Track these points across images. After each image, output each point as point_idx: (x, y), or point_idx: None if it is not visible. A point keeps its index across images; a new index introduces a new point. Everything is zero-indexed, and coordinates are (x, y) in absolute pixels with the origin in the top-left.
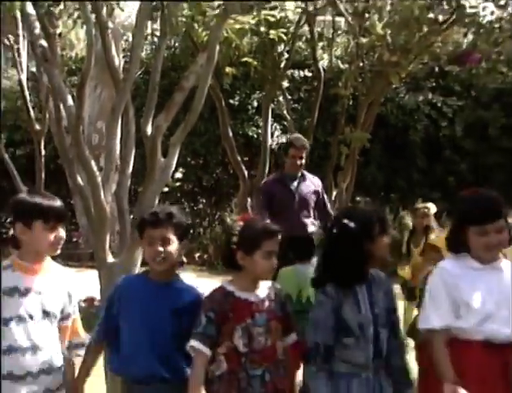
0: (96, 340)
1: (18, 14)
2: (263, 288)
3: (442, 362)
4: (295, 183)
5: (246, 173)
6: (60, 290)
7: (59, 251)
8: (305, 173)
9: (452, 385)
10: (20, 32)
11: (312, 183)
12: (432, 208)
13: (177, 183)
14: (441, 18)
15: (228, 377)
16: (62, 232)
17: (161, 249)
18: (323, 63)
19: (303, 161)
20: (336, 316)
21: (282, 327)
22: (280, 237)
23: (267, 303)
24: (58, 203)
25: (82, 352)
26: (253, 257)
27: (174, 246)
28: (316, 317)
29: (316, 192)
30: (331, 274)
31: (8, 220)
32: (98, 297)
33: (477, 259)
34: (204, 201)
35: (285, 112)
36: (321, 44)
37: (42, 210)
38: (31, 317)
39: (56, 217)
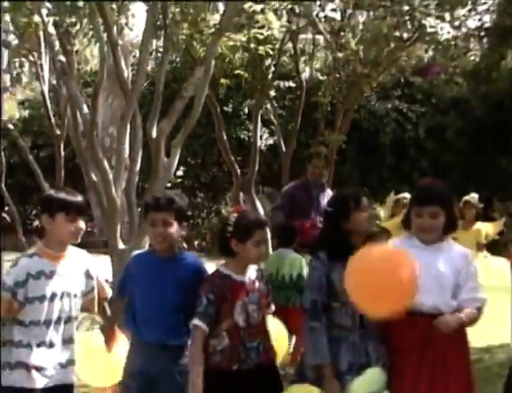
0: (115, 297)
1: (41, 34)
2: (252, 271)
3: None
4: (316, 191)
5: (239, 171)
6: (80, 271)
7: (79, 240)
8: (324, 182)
9: None
10: (43, 49)
11: (329, 195)
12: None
13: (179, 180)
14: (405, 36)
15: (229, 351)
16: (82, 224)
17: (162, 230)
18: (305, 75)
19: (321, 171)
20: (326, 279)
21: (266, 302)
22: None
23: (256, 283)
24: (79, 198)
25: None
26: (246, 245)
27: (174, 228)
28: (311, 279)
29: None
30: (323, 247)
31: (33, 213)
32: (111, 279)
33: (419, 239)
34: (202, 195)
35: (272, 118)
36: (302, 58)
37: (65, 203)
38: (55, 296)
39: (76, 210)
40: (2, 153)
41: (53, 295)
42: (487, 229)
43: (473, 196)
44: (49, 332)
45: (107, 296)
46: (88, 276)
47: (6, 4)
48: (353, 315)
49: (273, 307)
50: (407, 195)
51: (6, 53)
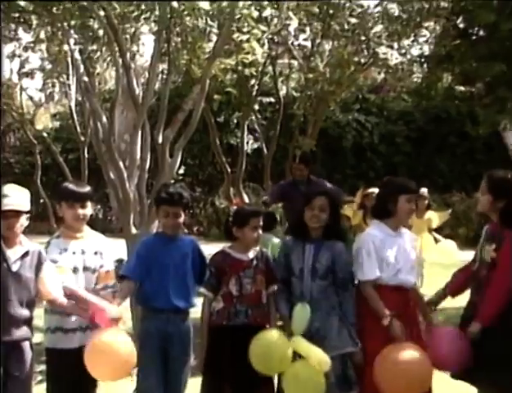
0: (127, 274)
1: (69, 59)
2: (253, 252)
3: (376, 303)
4: (303, 187)
5: (229, 170)
6: (96, 250)
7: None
8: (312, 178)
9: (388, 316)
10: (70, 72)
11: (316, 186)
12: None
13: (180, 177)
14: (363, 61)
15: (222, 310)
16: (81, 210)
17: (174, 221)
18: (282, 92)
19: (305, 173)
20: (287, 259)
21: (266, 279)
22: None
23: (254, 262)
24: (82, 189)
25: (109, 293)
26: (244, 230)
27: (182, 217)
28: (278, 259)
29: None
30: (290, 233)
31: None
32: (125, 258)
33: (391, 227)
34: (199, 190)
35: (256, 127)
36: (280, 79)
37: (65, 193)
38: (76, 269)
39: (73, 198)
40: (38, 156)
41: (75, 269)
42: (436, 217)
43: (424, 190)
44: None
45: (113, 285)
46: (100, 255)
47: (42, 36)
48: (303, 287)
49: (275, 287)
50: (375, 189)
51: (41, 75)
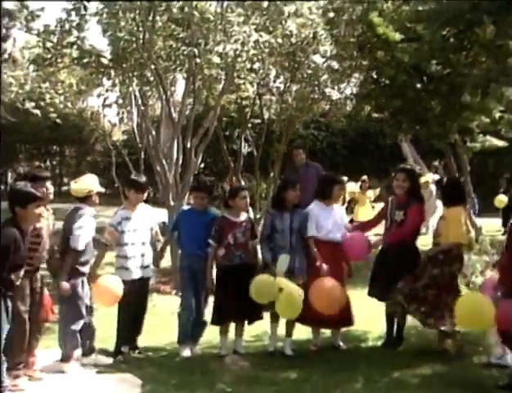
0: (170, 231)
1: (132, 96)
2: (243, 216)
3: (313, 251)
4: (302, 171)
5: (232, 165)
6: (148, 217)
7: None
8: (309, 162)
9: (319, 260)
10: (133, 104)
11: (313, 168)
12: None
13: (201, 170)
14: (316, 97)
15: (225, 255)
16: (141, 195)
17: (202, 202)
18: (266, 116)
19: (303, 156)
20: (272, 223)
21: (250, 235)
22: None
23: (244, 223)
24: (144, 183)
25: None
26: (235, 200)
27: (206, 200)
28: (264, 223)
29: (315, 173)
30: (273, 206)
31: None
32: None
33: (326, 204)
34: (213, 178)
35: (249, 138)
36: (264, 108)
37: (135, 183)
38: (135, 230)
39: (141, 189)
40: (113, 157)
41: (134, 230)
42: (372, 193)
43: (365, 177)
44: (134, 248)
45: (159, 239)
46: (151, 220)
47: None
48: (285, 239)
49: (257, 240)
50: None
51: (116, 106)
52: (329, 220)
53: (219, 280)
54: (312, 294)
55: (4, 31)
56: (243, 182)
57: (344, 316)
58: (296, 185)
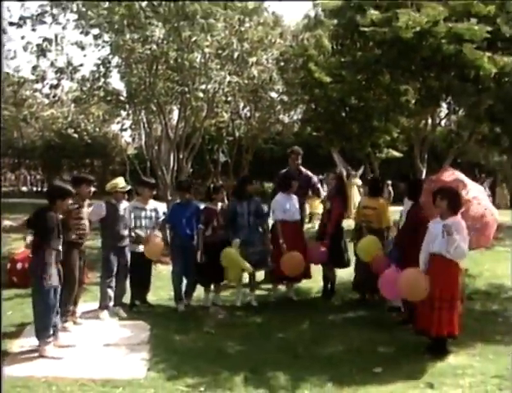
0: (164, 222)
1: (141, 124)
2: (220, 205)
3: (280, 232)
4: (296, 176)
5: (213, 170)
6: (154, 209)
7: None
8: (302, 170)
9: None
10: (142, 128)
11: (306, 175)
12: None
13: (190, 174)
14: (272, 120)
15: (211, 235)
16: (150, 193)
17: (182, 196)
18: (237, 135)
19: (299, 161)
20: (234, 209)
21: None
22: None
23: (220, 210)
24: (152, 184)
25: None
26: (217, 195)
27: (186, 195)
28: (229, 209)
29: (308, 180)
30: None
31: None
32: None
33: (288, 194)
34: (199, 180)
35: (225, 150)
36: (236, 129)
37: (147, 184)
38: (145, 217)
39: (150, 187)
40: (128, 165)
41: (145, 217)
42: None
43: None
44: (144, 229)
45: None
46: (156, 212)
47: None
48: (244, 222)
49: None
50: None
51: (130, 130)
52: (291, 206)
53: (206, 253)
54: (282, 262)
55: (56, 81)
56: (221, 182)
57: (305, 273)
58: (253, 181)
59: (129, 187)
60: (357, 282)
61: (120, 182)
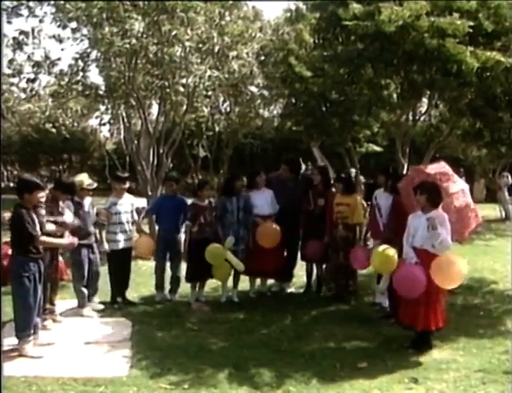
0: (148, 212)
1: (121, 119)
2: (207, 201)
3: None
4: (290, 183)
5: (193, 165)
6: (130, 203)
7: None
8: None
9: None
10: (121, 124)
11: (302, 182)
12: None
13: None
14: (252, 115)
15: (197, 231)
16: (123, 186)
17: (170, 188)
18: (217, 130)
19: (289, 174)
20: (224, 205)
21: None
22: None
23: (208, 206)
24: (125, 178)
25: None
26: (203, 191)
27: (174, 186)
28: (217, 206)
29: (303, 187)
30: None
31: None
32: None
33: (255, 190)
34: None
35: (204, 144)
36: (216, 124)
37: (118, 178)
38: (121, 212)
39: (122, 181)
40: (107, 160)
41: (120, 212)
42: None
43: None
44: (121, 226)
45: (135, 219)
46: (132, 206)
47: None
48: (233, 216)
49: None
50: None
51: (108, 126)
52: (263, 202)
53: (192, 250)
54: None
55: (33, 75)
56: (200, 177)
57: (279, 271)
58: (240, 177)
59: (95, 185)
60: (329, 272)
61: (85, 179)
